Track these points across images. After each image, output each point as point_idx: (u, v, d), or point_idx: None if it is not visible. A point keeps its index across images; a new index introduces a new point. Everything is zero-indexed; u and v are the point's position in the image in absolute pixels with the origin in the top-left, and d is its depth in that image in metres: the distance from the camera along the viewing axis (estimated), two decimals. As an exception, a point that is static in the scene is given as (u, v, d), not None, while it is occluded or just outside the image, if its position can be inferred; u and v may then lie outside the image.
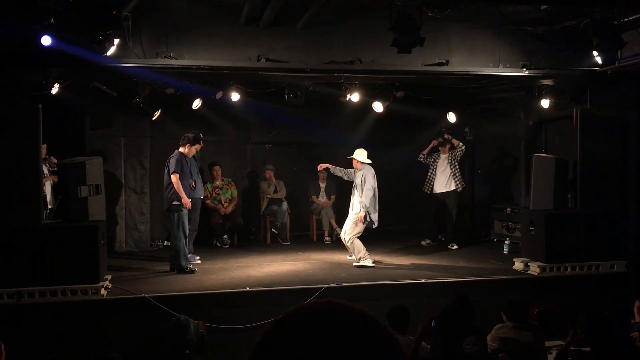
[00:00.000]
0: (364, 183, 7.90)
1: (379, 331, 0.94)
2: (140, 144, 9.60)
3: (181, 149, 7.69)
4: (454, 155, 9.45)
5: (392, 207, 10.60)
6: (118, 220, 9.34)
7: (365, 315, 0.95)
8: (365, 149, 8.21)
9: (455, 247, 9.29)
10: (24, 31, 5.62)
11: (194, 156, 7.98)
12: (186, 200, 7.41)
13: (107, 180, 7.62)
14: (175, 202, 7.45)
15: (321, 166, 8.54)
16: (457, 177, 9.42)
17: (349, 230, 7.98)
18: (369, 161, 8.09)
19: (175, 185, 7.39)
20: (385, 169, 9.73)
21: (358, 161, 8.09)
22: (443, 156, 9.49)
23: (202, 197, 8.74)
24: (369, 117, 9.77)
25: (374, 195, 7.92)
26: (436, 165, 9.51)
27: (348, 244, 8.01)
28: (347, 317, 0.93)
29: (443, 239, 9.73)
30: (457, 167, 9.46)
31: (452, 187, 9.43)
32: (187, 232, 7.63)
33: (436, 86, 8.96)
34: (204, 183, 9.59)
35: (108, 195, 7.48)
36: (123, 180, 9.47)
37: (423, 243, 9.63)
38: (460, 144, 9.52)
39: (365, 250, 7.90)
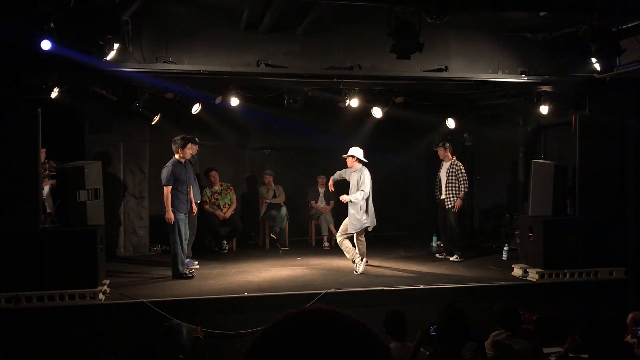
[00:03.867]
0: (362, 184, 7.85)
1: (368, 338, 0.94)
2: (140, 149, 9.60)
3: (176, 156, 7.65)
4: (454, 171, 8.91)
5: (391, 213, 10.63)
6: (117, 225, 9.33)
7: (355, 322, 0.95)
8: (365, 154, 8.17)
9: (453, 258, 8.88)
10: (24, 35, 5.62)
11: (190, 161, 7.96)
12: (170, 215, 7.41)
13: (106, 184, 7.61)
14: (172, 209, 7.44)
15: (331, 185, 8.43)
16: (451, 190, 8.90)
17: (340, 232, 8.10)
18: (365, 160, 8.05)
19: (165, 198, 7.42)
20: (384, 175, 9.75)
21: (355, 159, 8.00)
22: (445, 164, 9.08)
23: (198, 202, 8.67)
24: (368, 122, 9.78)
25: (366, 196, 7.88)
26: (440, 171, 9.20)
27: (338, 241, 8.07)
28: (337, 324, 0.93)
29: (441, 245, 9.67)
30: (455, 182, 8.86)
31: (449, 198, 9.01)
32: (185, 237, 7.62)
33: (435, 92, 8.97)
34: (203, 188, 9.60)
35: (107, 200, 7.48)
36: (122, 185, 9.47)
37: (451, 258, 8.97)
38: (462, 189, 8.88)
39: (354, 251, 7.93)
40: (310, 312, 0.96)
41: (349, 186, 8.09)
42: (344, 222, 8.15)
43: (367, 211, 7.87)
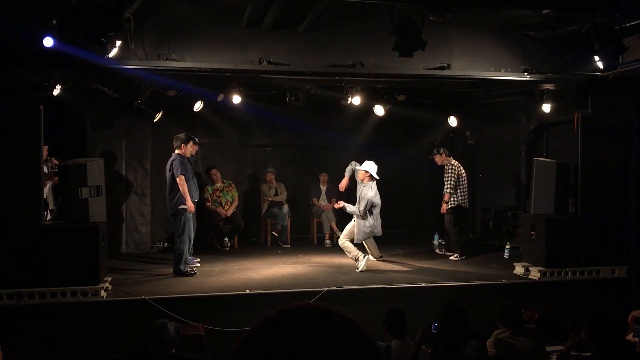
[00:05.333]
0: (359, 202, 7.96)
1: (357, 333, 0.95)
2: (142, 146, 9.61)
3: (178, 151, 7.68)
4: (447, 169, 8.91)
5: (393, 211, 10.60)
6: (119, 223, 9.35)
7: (343, 318, 0.96)
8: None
9: (453, 257, 8.89)
10: (26, 32, 5.63)
11: (188, 159, 7.97)
12: (190, 205, 7.43)
13: (108, 182, 7.62)
14: (182, 206, 7.46)
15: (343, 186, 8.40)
16: (446, 190, 8.89)
17: (344, 235, 8.17)
18: (377, 177, 8.09)
19: (181, 188, 7.40)
20: (385, 172, 9.68)
21: (367, 174, 8.04)
22: (445, 167, 9.04)
23: (196, 200, 8.57)
24: (370, 120, 9.76)
25: (370, 206, 7.95)
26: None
27: (340, 243, 8.15)
28: (324, 321, 0.94)
29: (443, 242, 9.68)
30: (449, 183, 8.84)
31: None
32: (192, 236, 7.64)
33: (437, 90, 8.96)
34: (204, 186, 9.61)
35: (109, 197, 7.49)
36: (124, 182, 9.47)
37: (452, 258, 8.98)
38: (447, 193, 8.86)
39: (356, 250, 7.96)
40: (299, 308, 0.97)
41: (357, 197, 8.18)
42: (348, 226, 8.18)
43: (372, 220, 7.97)
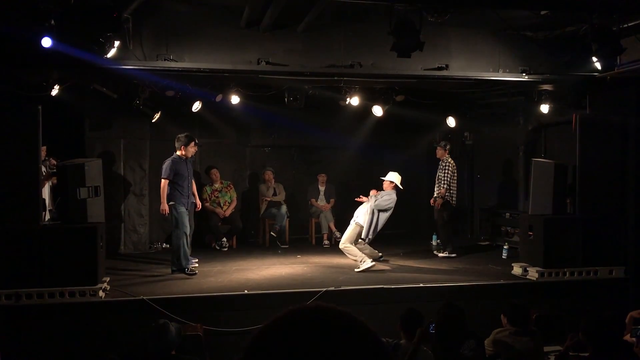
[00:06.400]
0: (376, 205, 8.09)
1: (367, 336, 0.95)
2: (140, 146, 9.61)
3: (178, 152, 7.69)
4: (444, 166, 9.09)
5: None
6: (117, 223, 9.34)
7: (354, 319, 0.95)
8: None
9: (442, 254, 9.00)
10: (25, 32, 5.63)
11: (186, 160, 7.97)
12: (165, 207, 7.46)
13: (107, 182, 7.62)
14: (171, 202, 7.47)
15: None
16: (440, 186, 9.07)
17: (344, 238, 8.20)
18: (401, 187, 8.28)
19: (161, 191, 7.49)
20: (384, 173, 9.73)
21: (392, 184, 8.24)
22: (441, 163, 9.21)
23: (193, 201, 8.57)
24: (368, 120, 9.77)
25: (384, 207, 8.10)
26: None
27: (342, 248, 8.15)
28: (336, 322, 0.94)
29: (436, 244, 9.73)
30: (445, 179, 8.99)
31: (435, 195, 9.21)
32: (188, 231, 7.63)
33: (436, 90, 8.97)
34: (204, 186, 9.61)
35: (107, 198, 7.49)
36: (122, 183, 9.47)
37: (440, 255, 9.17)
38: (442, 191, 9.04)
39: (361, 253, 7.96)
40: (309, 309, 0.96)
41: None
42: (348, 230, 8.21)
43: (376, 226, 8.14)
